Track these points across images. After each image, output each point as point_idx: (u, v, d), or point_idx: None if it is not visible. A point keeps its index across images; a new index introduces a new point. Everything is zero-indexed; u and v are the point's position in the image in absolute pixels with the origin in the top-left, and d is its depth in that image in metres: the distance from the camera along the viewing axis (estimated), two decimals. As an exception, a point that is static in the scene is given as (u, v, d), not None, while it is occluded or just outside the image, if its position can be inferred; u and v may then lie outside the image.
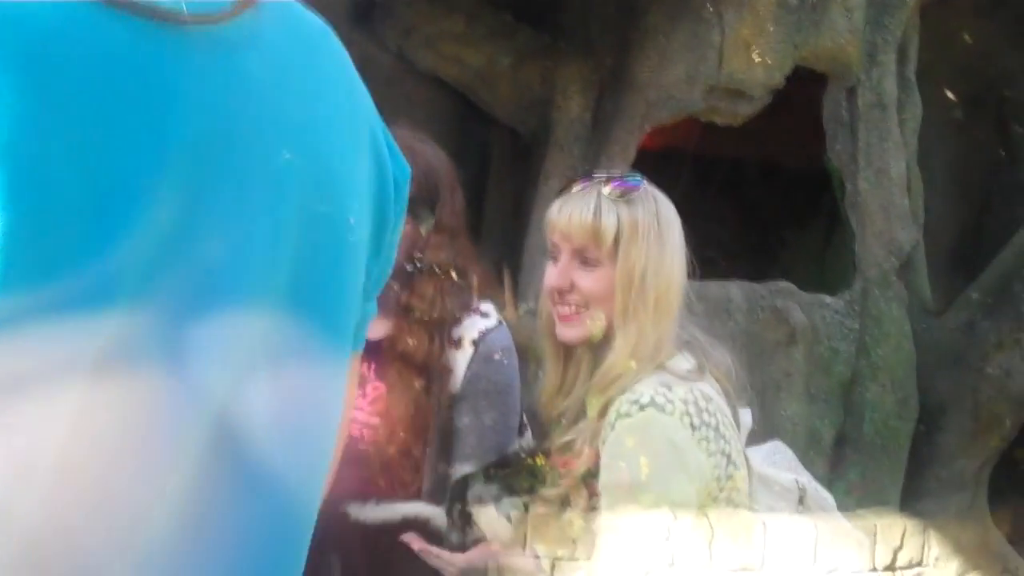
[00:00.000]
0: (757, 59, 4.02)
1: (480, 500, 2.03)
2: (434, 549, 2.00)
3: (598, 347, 1.79)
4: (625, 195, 1.74)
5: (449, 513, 2.04)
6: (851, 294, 4.31)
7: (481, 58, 4.28)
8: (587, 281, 1.77)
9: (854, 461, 4.25)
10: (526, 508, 1.93)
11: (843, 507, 3.97)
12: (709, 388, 1.70)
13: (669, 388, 1.65)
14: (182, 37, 0.62)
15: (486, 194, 4.67)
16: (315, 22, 0.78)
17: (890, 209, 4.32)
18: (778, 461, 1.94)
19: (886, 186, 4.30)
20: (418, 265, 2.08)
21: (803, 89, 4.41)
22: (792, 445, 4.10)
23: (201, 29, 0.63)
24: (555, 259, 1.82)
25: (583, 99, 4.22)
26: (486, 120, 4.57)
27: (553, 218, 1.81)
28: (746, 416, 1.84)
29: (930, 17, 4.78)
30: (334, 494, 2.04)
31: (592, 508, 1.71)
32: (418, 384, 2.06)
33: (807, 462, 4.17)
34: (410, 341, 2.06)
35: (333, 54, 0.77)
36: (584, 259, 1.77)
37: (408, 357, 2.06)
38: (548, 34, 4.37)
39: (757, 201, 5.81)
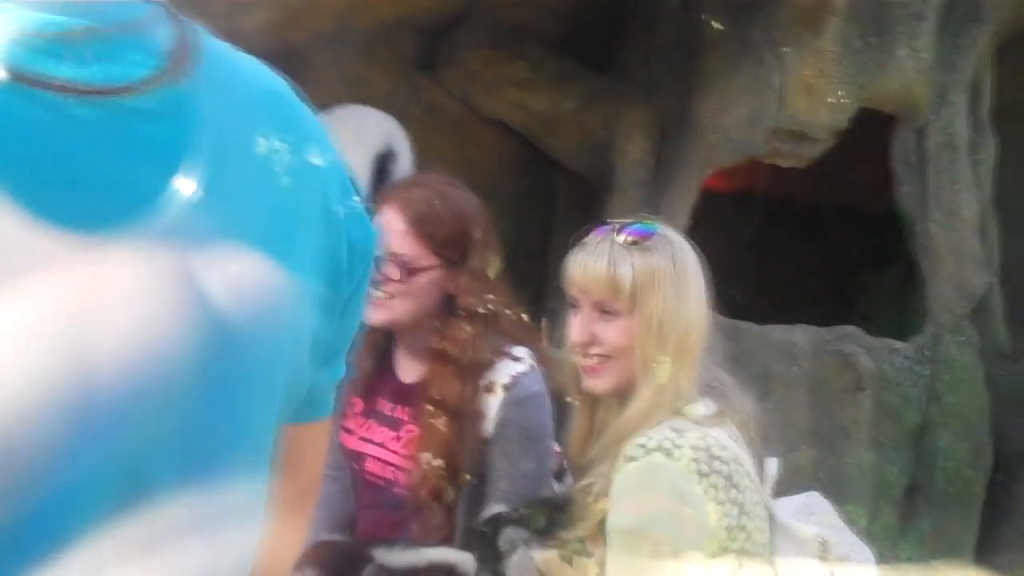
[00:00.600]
0: (826, 100, 3.97)
1: (513, 544, 2.02)
2: (464, 594, 2.00)
3: (624, 394, 1.78)
4: (639, 242, 1.73)
5: (480, 558, 2.03)
6: (922, 339, 4.20)
7: (544, 103, 4.32)
8: (609, 333, 1.76)
9: (926, 511, 4.12)
10: (558, 552, 1.91)
11: (915, 558, 3.87)
12: (725, 435, 1.67)
13: (680, 433, 1.63)
14: (86, 109, 0.62)
15: (552, 238, 4.69)
16: (265, 87, 0.77)
17: (962, 252, 4.21)
18: (813, 513, 1.88)
19: (958, 228, 4.20)
20: (451, 309, 2.10)
21: (884, 131, 4.34)
22: (861, 494, 4.03)
23: (108, 100, 0.63)
24: (576, 311, 1.81)
25: (645, 142, 4.23)
26: (552, 164, 4.60)
27: (570, 271, 1.80)
28: (772, 466, 1.80)
29: (1009, 56, 4.67)
30: (365, 536, 2.07)
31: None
32: (450, 428, 2.07)
33: (876, 511, 4.08)
34: (443, 385, 2.08)
35: (280, 119, 0.76)
36: (604, 311, 1.76)
37: (441, 401, 2.07)
38: (610, 78, 4.39)
39: (837, 244, 5.72)
